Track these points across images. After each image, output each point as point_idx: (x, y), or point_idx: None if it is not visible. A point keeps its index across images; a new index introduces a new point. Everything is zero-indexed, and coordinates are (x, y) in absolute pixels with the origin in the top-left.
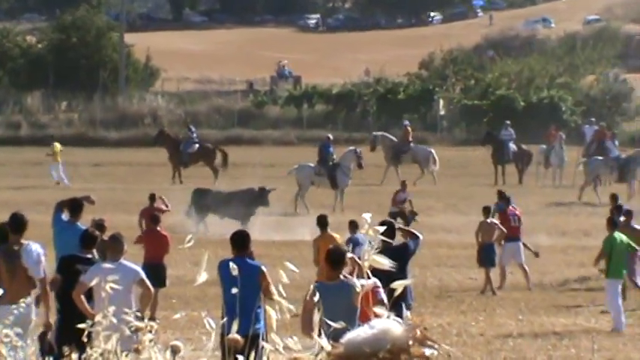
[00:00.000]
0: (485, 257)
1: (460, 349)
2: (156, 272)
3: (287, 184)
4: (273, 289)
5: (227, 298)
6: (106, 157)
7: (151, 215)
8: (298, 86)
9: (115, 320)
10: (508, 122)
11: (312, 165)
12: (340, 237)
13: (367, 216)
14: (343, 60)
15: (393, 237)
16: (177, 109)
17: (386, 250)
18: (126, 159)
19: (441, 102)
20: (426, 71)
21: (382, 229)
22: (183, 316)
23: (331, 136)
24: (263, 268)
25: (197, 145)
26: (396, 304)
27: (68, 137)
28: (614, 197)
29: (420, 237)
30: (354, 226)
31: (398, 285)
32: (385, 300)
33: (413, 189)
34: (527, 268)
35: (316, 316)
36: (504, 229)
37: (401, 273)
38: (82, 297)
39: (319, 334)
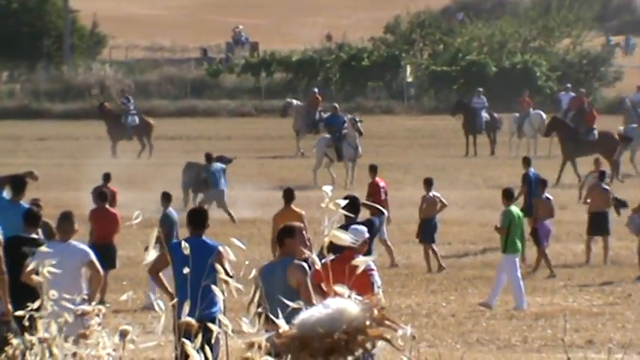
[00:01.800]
0: (426, 233)
1: (430, 330)
2: (105, 253)
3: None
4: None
5: (178, 280)
6: (51, 131)
7: (100, 192)
8: (256, 53)
9: (56, 307)
10: (480, 89)
11: (327, 136)
12: (305, 213)
13: (328, 188)
14: (303, 25)
15: (356, 212)
16: (126, 79)
17: (348, 225)
18: (72, 132)
19: (408, 68)
20: (392, 36)
21: (344, 203)
22: (134, 298)
23: (337, 105)
24: (220, 248)
25: (137, 118)
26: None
27: (10, 110)
28: (597, 162)
29: (386, 213)
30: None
31: (359, 262)
32: (379, 284)
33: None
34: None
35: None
36: (446, 203)
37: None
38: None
39: (260, 315)
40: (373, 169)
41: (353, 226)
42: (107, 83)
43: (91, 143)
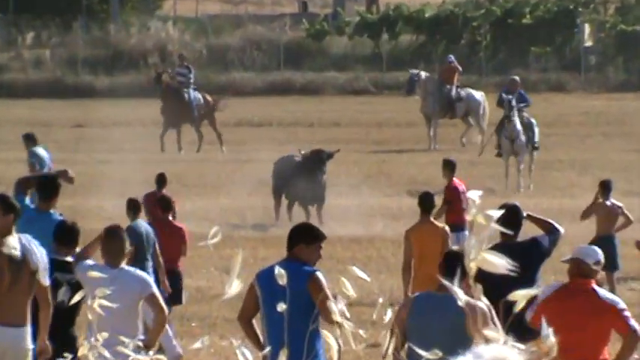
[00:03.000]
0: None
1: None
2: (169, 283)
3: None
4: (331, 305)
5: (269, 320)
6: (92, 114)
7: (161, 199)
8: (374, 8)
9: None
10: None
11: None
12: (446, 227)
13: (475, 194)
14: None
15: (516, 228)
16: (196, 43)
17: (504, 246)
18: (121, 116)
19: (587, 28)
20: None
21: (499, 214)
22: (207, 345)
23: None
24: (318, 274)
25: (200, 96)
26: (517, 324)
27: (37, 84)
28: None
29: (561, 230)
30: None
31: (519, 296)
32: (637, 328)
33: (546, 156)
34: None
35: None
36: (631, 218)
37: (525, 279)
38: None
39: None
40: (449, 166)
41: (582, 246)
42: (170, 48)
43: (147, 131)
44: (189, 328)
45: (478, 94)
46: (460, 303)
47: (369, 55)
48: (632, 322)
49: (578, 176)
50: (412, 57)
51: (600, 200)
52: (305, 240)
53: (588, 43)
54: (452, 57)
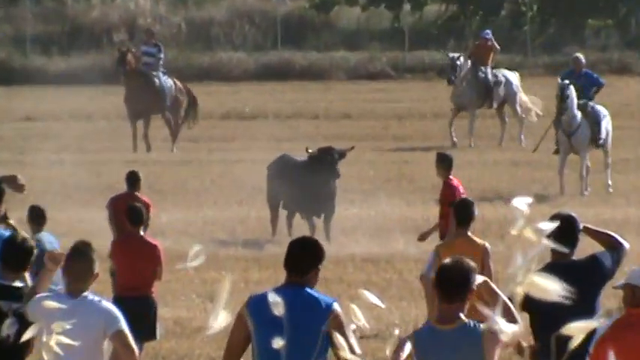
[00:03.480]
0: None
1: None
2: (139, 313)
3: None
4: (339, 339)
5: (262, 358)
6: (45, 104)
7: (130, 209)
8: None
9: None
10: None
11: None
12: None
13: (522, 202)
14: None
15: (573, 244)
16: (173, 16)
17: (558, 266)
18: (80, 106)
19: None
20: None
21: (552, 227)
22: None
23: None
24: (336, 306)
25: (172, 82)
26: None
27: None
28: None
29: (625, 246)
30: None
31: (576, 329)
32: None
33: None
34: None
35: None
36: None
37: (582, 307)
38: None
39: None
40: (445, 162)
41: (637, 269)
42: (141, 23)
43: (112, 126)
44: None
45: (514, 76)
46: (501, 337)
47: (387, 30)
48: None
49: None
50: (440, 32)
51: None
52: (320, 263)
53: None
54: (489, 32)
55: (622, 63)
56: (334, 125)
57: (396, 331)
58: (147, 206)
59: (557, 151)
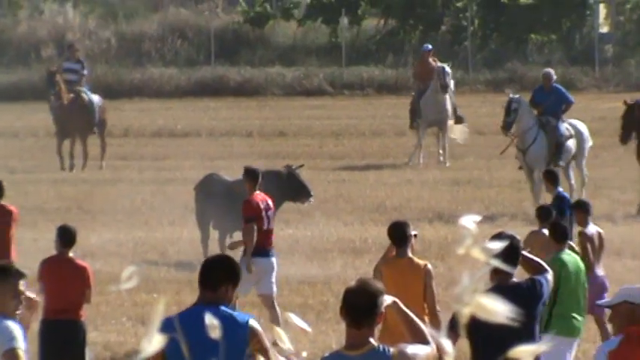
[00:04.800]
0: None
1: None
2: (67, 337)
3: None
4: None
5: None
6: None
7: (61, 230)
8: None
9: None
10: None
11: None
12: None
13: (470, 220)
14: None
15: (514, 263)
16: (103, 31)
17: (503, 288)
18: (7, 125)
19: (602, 10)
20: None
21: (500, 246)
22: None
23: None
24: (254, 324)
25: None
26: None
27: None
28: None
29: (549, 272)
30: None
31: (524, 352)
32: None
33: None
34: None
35: None
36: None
37: (526, 330)
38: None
39: None
40: (251, 176)
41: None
42: (70, 38)
43: (39, 144)
44: None
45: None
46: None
47: (324, 46)
48: None
49: (592, 199)
50: (379, 48)
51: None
52: (235, 280)
53: (604, 29)
54: (429, 46)
55: (566, 79)
56: (269, 143)
57: (304, 354)
58: (11, 213)
59: (521, 167)
